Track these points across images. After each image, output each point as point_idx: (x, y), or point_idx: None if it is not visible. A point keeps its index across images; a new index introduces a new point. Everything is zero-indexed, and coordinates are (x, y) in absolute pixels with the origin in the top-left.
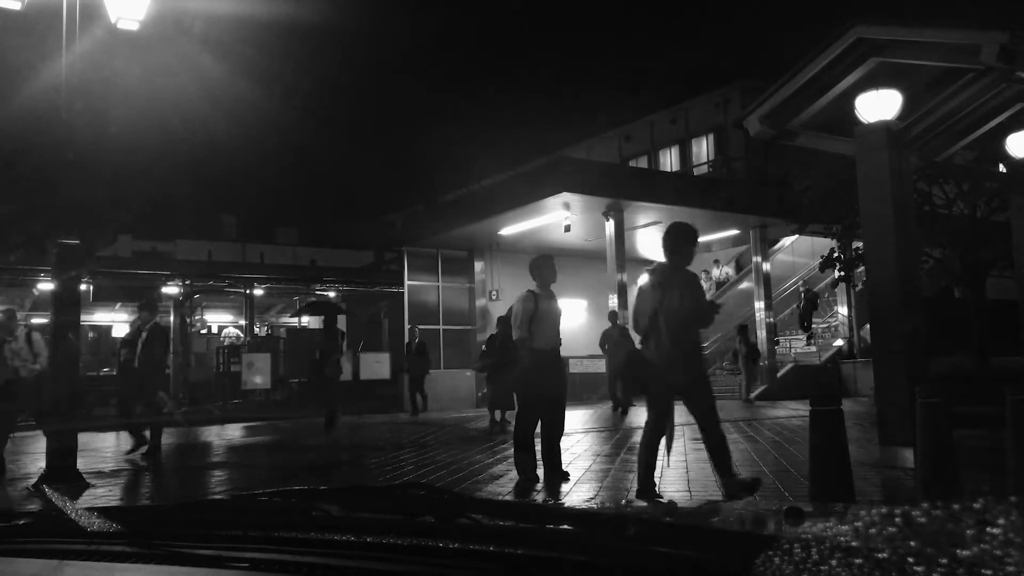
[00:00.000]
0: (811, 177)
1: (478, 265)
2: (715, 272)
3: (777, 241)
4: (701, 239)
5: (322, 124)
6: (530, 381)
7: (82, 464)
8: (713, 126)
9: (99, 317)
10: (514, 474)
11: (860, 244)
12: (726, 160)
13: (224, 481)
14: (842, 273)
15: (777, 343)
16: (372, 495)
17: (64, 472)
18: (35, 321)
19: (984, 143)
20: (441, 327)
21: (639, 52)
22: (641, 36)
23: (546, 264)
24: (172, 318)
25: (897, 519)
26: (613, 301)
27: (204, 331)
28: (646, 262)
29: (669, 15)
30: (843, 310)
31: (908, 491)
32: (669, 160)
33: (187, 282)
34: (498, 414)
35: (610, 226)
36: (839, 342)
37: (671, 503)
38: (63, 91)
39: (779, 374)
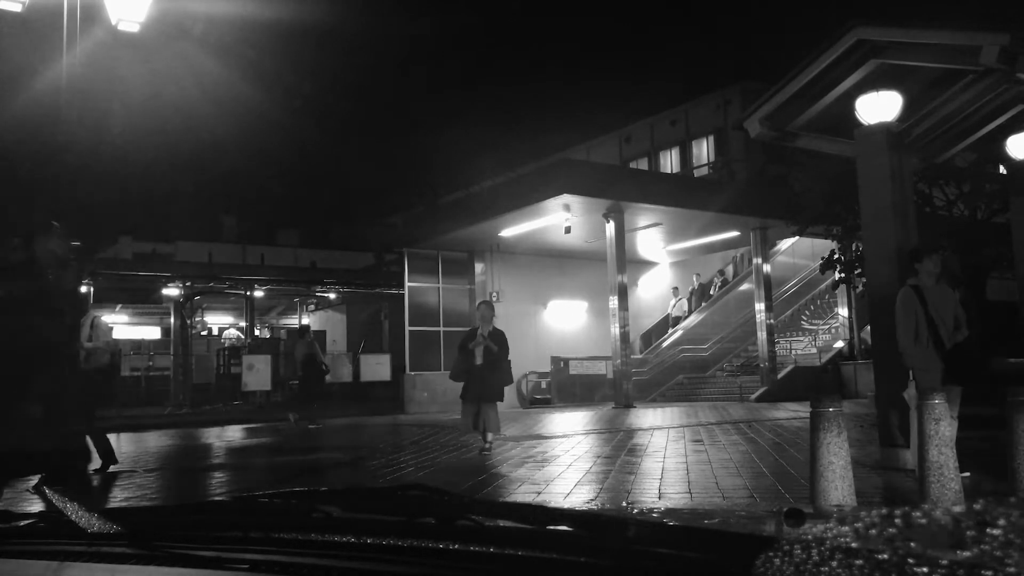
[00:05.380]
0: (811, 179)
1: (479, 267)
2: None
3: (777, 243)
4: (702, 240)
5: (323, 125)
6: None
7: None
8: (713, 128)
9: None
10: (516, 475)
11: (860, 245)
12: (726, 162)
13: (224, 482)
14: (842, 275)
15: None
16: (372, 496)
17: (65, 474)
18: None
19: (984, 145)
20: (442, 328)
21: (640, 53)
22: (642, 37)
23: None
24: (172, 319)
25: (897, 520)
26: (613, 303)
27: (204, 333)
28: (647, 263)
29: (670, 16)
30: (843, 312)
31: (908, 492)
32: (669, 162)
33: (187, 284)
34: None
35: (610, 228)
36: (839, 343)
37: None
38: (64, 93)
39: (779, 375)
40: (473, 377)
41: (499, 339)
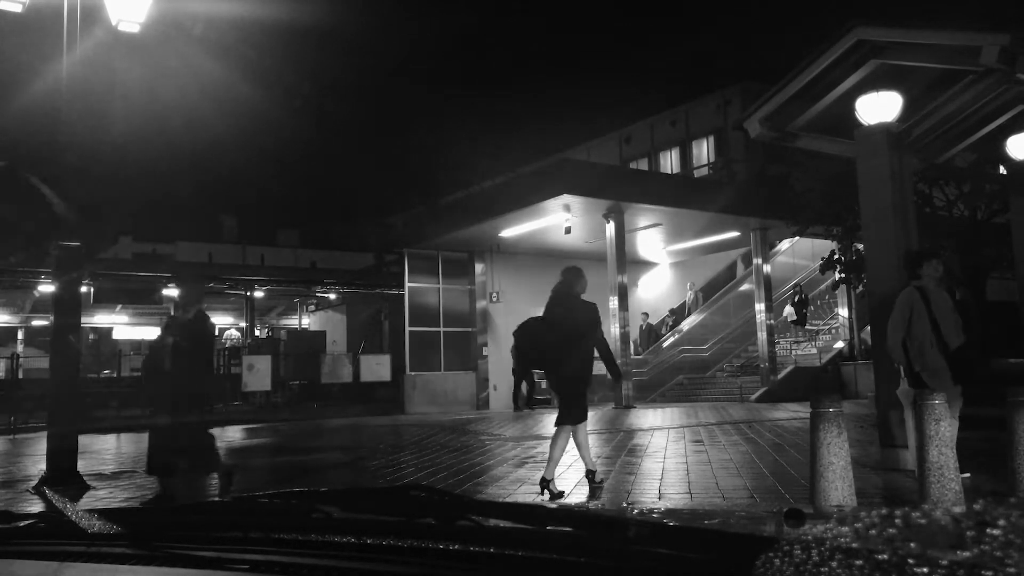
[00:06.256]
0: (811, 179)
1: (479, 267)
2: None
3: (777, 243)
4: (702, 240)
5: (323, 126)
6: None
7: (82, 466)
8: (713, 128)
9: (100, 319)
10: (516, 475)
11: (860, 246)
12: (726, 162)
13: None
14: (842, 275)
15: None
16: (373, 497)
17: (65, 474)
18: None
19: (984, 145)
20: (442, 329)
21: (641, 53)
22: (643, 38)
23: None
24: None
25: (897, 521)
26: (613, 303)
27: None
28: (647, 264)
29: (670, 17)
30: (844, 312)
31: (908, 493)
32: (669, 162)
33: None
34: None
35: (610, 228)
36: (840, 344)
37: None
38: (64, 93)
39: (780, 376)
40: (161, 387)
41: (193, 329)
